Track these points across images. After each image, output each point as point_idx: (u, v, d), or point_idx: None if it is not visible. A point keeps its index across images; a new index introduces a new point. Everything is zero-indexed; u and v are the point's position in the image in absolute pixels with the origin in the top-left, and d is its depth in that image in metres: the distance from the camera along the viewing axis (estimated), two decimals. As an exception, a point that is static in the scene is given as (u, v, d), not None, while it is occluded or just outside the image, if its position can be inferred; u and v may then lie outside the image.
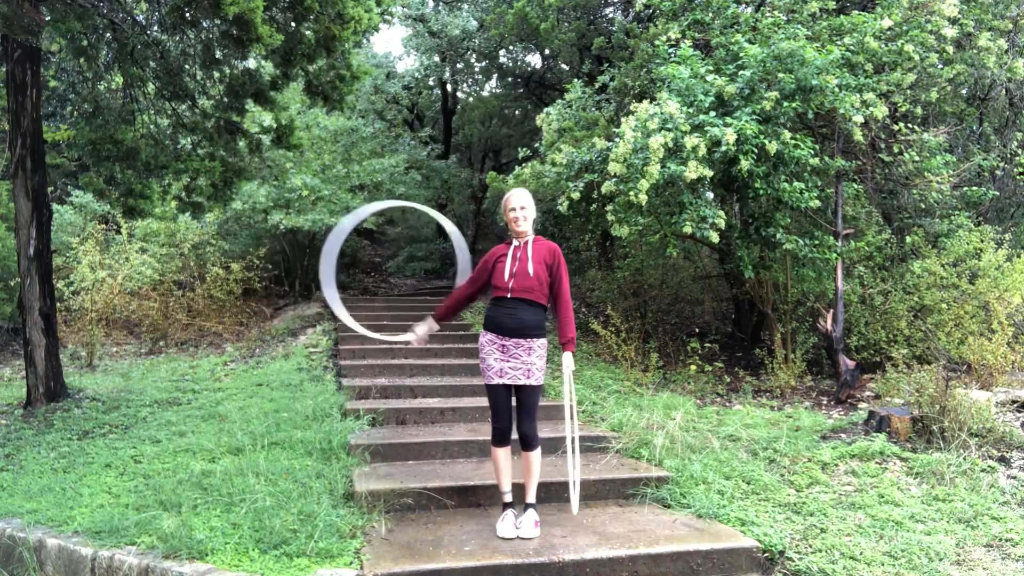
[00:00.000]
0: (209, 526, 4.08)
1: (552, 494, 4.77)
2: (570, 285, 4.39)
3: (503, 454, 4.22)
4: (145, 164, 6.93)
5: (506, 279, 4.12)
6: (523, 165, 9.78)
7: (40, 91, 6.85)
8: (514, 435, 4.24)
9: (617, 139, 7.11)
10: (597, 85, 10.04)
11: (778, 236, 7.18)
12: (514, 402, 4.23)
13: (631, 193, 6.69)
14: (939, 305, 8.01)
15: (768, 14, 7.86)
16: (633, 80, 9.35)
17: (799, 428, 6.05)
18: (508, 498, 4.26)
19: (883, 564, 3.88)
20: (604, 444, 5.66)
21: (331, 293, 4.51)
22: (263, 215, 10.95)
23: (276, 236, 11.99)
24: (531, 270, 4.15)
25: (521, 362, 4.11)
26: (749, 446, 5.59)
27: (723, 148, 6.63)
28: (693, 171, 6.51)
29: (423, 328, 4.44)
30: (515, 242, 4.22)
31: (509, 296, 4.12)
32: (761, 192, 7.05)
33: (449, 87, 18.99)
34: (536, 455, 4.21)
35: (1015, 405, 6.31)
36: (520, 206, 4.19)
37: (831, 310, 7.49)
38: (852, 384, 7.12)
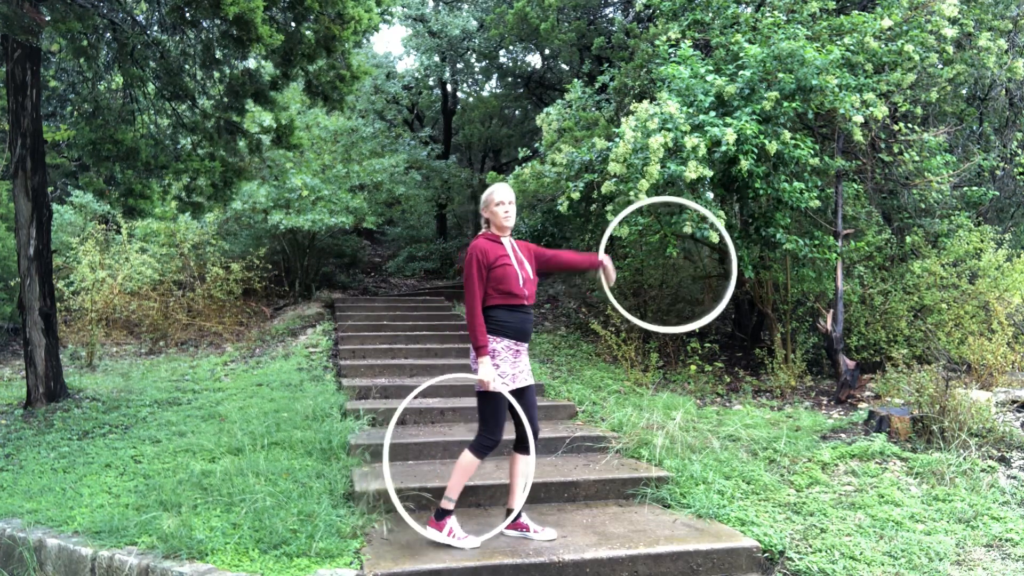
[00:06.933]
0: (209, 526, 4.08)
1: (552, 494, 4.78)
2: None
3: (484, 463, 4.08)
4: (145, 164, 6.93)
5: (521, 285, 4.03)
6: (523, 165, 9.77)
7: (40, 91, 6.85)
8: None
9: (617, 139, 7.11)
10: (597, 85, 10.04)
11: (778, 236, 7.18)
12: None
13: (631, 193, 6.69)
14: (939, 305, 8.01)
15: (768, 14, 7.86)
16: (633, 80, 9.35)
17: (799, 428, 6.05)
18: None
19: (883, 564, 3.88)
20: (604, 444, 5.66)
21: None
22: (263, 215, 10.96)
23: (276, 236, 12.00)
24: (531, 274, 4.13)
25: (524, 364, 4.11)
26: (749, 446, 5.59)
27: (723, 148, 6.63)
28: (693, 171, 6.51)
29: (490, 369, 3.94)
30: (504, 241, 4.11)
31: (525, 303, 4.07)
32: (761, 192, 7.05)
33: (449, 87, 19.00)
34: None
35: (1015, 405, 6.30)
36: (509, 200, 4.05)
37: (831, 310, 7.49)
38: (852, 384, 7.12)
